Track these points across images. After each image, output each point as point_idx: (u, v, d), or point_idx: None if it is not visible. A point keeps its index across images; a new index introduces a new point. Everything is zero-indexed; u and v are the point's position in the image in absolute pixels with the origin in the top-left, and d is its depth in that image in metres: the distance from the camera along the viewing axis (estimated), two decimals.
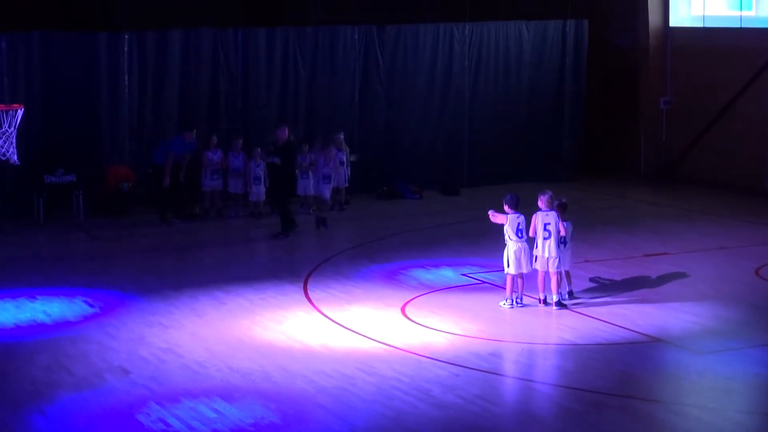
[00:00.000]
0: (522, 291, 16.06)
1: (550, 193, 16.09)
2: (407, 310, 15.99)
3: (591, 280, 17.19)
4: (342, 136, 23.58)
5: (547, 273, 15.98)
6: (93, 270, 18.48)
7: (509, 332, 15.11)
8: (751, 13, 25.60)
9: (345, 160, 23.51)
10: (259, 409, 12.05)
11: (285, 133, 21.07)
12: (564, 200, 16.38)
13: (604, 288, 17.06)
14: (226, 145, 23.17)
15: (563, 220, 16.01)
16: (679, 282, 17.59)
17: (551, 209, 15.94)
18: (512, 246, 15.85)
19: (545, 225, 15.84)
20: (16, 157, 19.46)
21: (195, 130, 22.32)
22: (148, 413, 11.91)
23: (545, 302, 16.01)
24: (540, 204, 15.94)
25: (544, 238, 15.86)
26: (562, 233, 15.92)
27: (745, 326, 15.22)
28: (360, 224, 22.47)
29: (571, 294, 16.39)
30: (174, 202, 22.28)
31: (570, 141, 27.48)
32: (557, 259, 15.86)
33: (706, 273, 18.11)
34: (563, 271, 16.17)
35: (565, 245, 16.07)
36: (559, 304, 15.95)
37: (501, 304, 16.08)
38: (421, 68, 25.79)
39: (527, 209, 16.16)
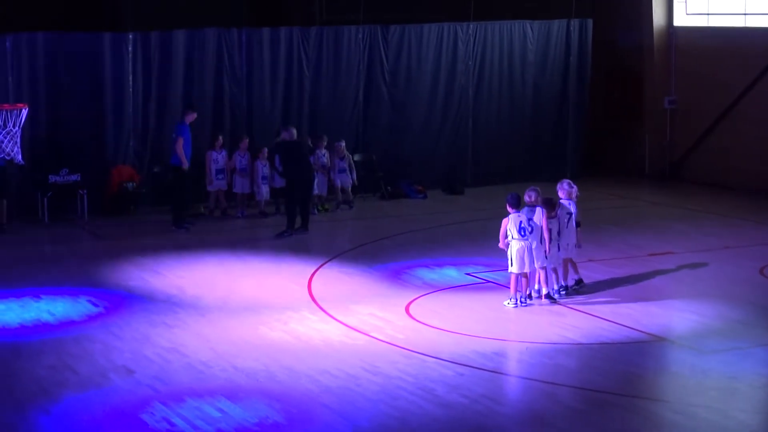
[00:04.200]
0: (526, 290, 16.08)
1: (535, 189, 16.18)
2: (411, 309, 16.00)
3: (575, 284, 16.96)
4: (343, 144, 23.47)
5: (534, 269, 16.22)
6: (97, 269, 18.48)
7: (513, 331, 15.11)
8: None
9: (346, 167, 23.42)
10: (263, 408, 12.06)
11: (289, 133, 21.10)
12: (551, 197, 16.47)
13: (609, 287, 17.05)
14: (231, 145, 23.20)
15: (550, 217, 16.12)
16: (683, 281, 17.60)
17: (537, 205, 16.06)
18: (515, 245, 15.86)
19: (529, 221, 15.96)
20: (20, 156, 19.54)
21: (196, 111, 21.82)
22: (152, 413, 11.92)
23: (531, 296, 16.24)
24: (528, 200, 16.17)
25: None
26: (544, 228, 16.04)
27: (750, 326, 15.21)
28: (364, 224, 22.47)
29: (565, 288, 16.59)
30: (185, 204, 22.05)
31: (574, 140, 27.50)
32: (541, 254, 16.02)
33: (710, 272, 18.12)
34: (549, 267, 16.25)
35: (550, 241, 16.16)
36: (549, 297, 16.24)
37: (505, 303, 16.10)
38: (426, 68, 25.80)
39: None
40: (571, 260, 16.70)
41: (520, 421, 11.99)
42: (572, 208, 16.57)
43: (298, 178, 20.98)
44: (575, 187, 16.77)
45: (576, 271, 16.80)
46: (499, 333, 14.91)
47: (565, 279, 16.64)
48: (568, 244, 16.54)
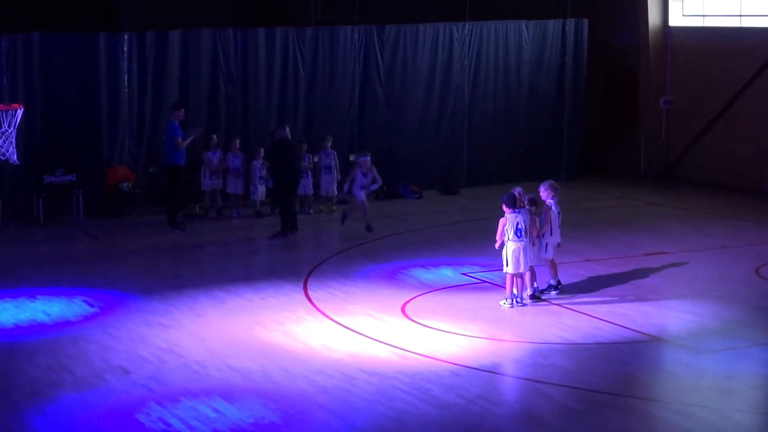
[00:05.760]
0: (522, 290, 16.09)
1: (518, 189, 16.15)
2: (407, 309, 15.99)
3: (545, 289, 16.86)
4: (305, 146, 23.36)
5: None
6: (93, 270, 18.47)
7: (509, 331, 15.10)
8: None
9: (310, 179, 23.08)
10: (259, 408, 12.05)
11: (283, 132, 21.06)
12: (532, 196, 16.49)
13: (605, 287, 17.06)
14: (226, 146, 23.19)
15: (531, 215, 16.15)
16: (679, 281, 17.60)
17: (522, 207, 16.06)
18: (511, 245, 15.85)
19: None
20: (15, 156, 19.50)
21: (183, 108, 21.71)
22: (148, 413, 11.91)
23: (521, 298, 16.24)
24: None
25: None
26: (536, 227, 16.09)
27: (745, 325, 15.22)
28: (360, 224, 22.45)
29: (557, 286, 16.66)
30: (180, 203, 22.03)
31: (570, 140, 27.50)
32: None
33: (706, 272, 18.12)
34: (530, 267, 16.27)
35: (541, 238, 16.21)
36: (534, 297, 16.29)
37: (501, 303, 16.09)
38: (421, 68, 25.80)
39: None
40: (552, 261, 16.65)
41: (517, 422, 11.99)
42: (556, 208, 16.53)
43: (288, 176, 20.88)
44: (558, 187, 16.66)
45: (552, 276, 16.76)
46: (495, 333, 14.91)
47: (556, 276, 16.62)
48: (555, 245, 16.51)
